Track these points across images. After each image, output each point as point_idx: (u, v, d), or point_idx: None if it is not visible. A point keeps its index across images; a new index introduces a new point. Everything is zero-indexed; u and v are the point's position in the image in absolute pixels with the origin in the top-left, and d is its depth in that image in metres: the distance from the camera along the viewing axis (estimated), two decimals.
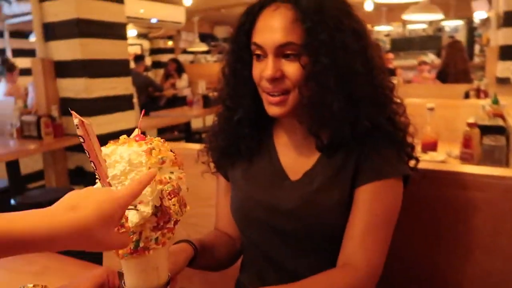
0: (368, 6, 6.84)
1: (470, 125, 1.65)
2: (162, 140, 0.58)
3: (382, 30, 10.03)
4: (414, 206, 0.94)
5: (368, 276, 0.71)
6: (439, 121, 2.25)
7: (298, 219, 0.79)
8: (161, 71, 7.36)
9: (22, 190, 2.66)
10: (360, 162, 0.77)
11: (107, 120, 2.90)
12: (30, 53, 3.02)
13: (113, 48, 2.99)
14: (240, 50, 0.80)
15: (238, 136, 0.85)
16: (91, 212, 0.46)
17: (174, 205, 0.53)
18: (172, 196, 0.53)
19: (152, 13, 6.03)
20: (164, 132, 4.84)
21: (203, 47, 7.57)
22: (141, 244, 0.55)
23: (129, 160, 0.52)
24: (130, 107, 3.15)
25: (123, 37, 3.10)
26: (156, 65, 8.40)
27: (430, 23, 9.64)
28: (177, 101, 5.86)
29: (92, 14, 2.81)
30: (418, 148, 1.84)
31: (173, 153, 0.57)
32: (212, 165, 0.93)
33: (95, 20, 2.84)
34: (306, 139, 0.81)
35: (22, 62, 4.90)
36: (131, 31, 7.15)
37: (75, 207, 0.46)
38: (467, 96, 3.23)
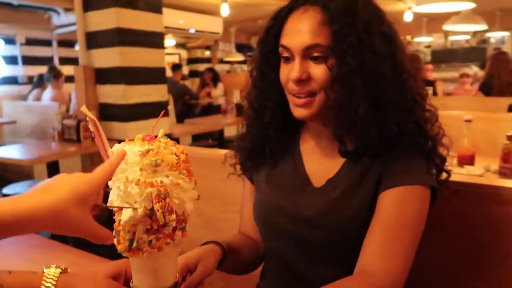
0: (408, 17, 6.70)
1: (510, 138, 1.56)
2: (172, 142, 0.57)
3: (422, 41, 9.77)
4: (448, 221, 0.90)
5: (388, 285, 0.67)
6: (478, 135, 2.15)
7: (319, 227, 0.77)
8: (197, 80, 7.52)
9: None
10: (384, 168, 0.75)
11: (142, 126, 2.99)
12: (75, 61, 3.18)
13: (151, 57, 3.09)
14: (268, 53, 0.81)
15: (263, 138, 0.86)
16: (64, 193, 0.48)
17: (158, 210, 0.51)
18: (157, 200, 0.52)
19: (190, 24, 6.20)
20: (199, 139, 4.92)
21: (240, 57, 7.67)
22: (134, 244, 0.54)
23: (126, 159, 0.54)
24: (166, 113, 3.24)
25: (161, 46, 3.20)
26: (193, 74, 8.60)
27: (474, 34, 9.28)
28: (212, 110, 5.97)
29: (132, 23, 2.92)
30: (454, 162, 1.76)
31: (177, 157, 0.55)
32: (238, 167, 0.94)
33: (134, 30, 2.95)
34: (332, 145, 0.80)
35: (68, 70, 5.16)
36: (170, 41, 7.38)
37: (45, 190, 0.49)
38: (510, 109, 3.07)
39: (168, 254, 0.57)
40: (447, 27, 4.75)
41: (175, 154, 0.55)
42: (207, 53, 9.03)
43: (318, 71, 0.73)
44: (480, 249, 0.87)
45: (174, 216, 0.53)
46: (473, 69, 7.86)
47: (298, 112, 0.77)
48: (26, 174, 4.10)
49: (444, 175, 0.79)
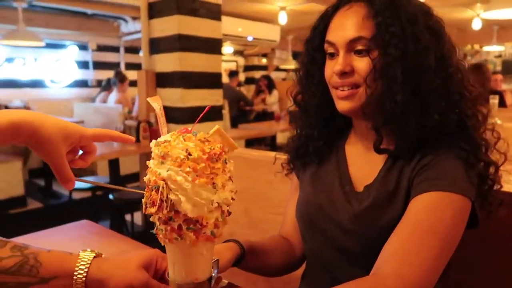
0: (476, 25, 6.32)
1: None
2: (200, 139, 0.54)
3: (492, 51, 9.16)
4: (502, 235, 0.84)
5: None
6: None
7: (350, 232, 0.76)
8: (253, 87, 7.63)
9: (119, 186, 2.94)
10: (415, 173, 0.72)
11: (197, 128, 3.09)
12: (139, 66, 3.37)
13: (208, 62, 3.19)
14: (314, 51, 0.83)
15: (307, 137, 0.87)
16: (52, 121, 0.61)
17: (143, 199, 0.53)
18: (146, 190, 0.54)
19: (248, 32, 6.32)
20: (252, 144, 4.99)
21: (296, 65, 7.70)
22: (155, 231, 0.57)
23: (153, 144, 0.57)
24: (219, 117, 3.32)
25: (218, 52, 3.29)
26: (249, 81, 8.74)
27: None
28: (266, 116, 6.02)
29: (192, 30, 3.04)
30: None
31: (187, 153, 0.52)
32: (285, 166, 0.95)
33: (194, 36, 3.07)
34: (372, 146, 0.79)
35: (133, 75, 5.50)
36: (228, 48, 7.57)
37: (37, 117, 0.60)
38: None
39: (196, 250, 0.57)
40: None
41: (187, 150, 0.53)
42: (264, 61, 9.14)
43: (361, 64, 0.74)
44: None
45: (153, 209, 0.53)
46: None
47: (341, 105, 0.77)
48: (89, 171, 4.39)
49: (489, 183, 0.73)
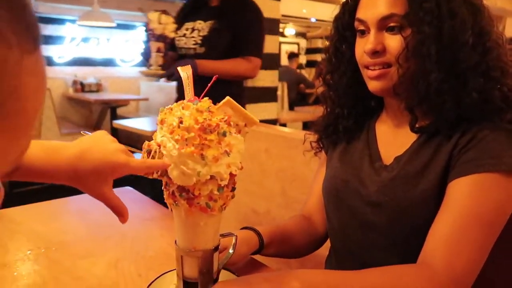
0: None
1: None
2: (199, 108, 0.54)
3: None
4: None
5: (449, 283, 0.59)
6: None
7: (378, 205, 0.74)
8: (315, 70, 7.46)
9: None
10: (456, 151, 0.67)
11: (250, 109, 3.10)
12: None
13: (266, 42, 3.17)
14: (343, 29, 0.80)
15: (337, 116, 0.85)
16: (89, 168, 0.54)
17: None
18: (143, 152, 0.56)
19: (312, 13, 6.17)
20: (309, 127, 4.94)
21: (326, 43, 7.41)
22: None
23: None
24: (274, 99, 3.31)
25: (276, 32, 3.26)
26: (311, 64, 8.57)
27: None
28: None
29: None
30: None
31: (179, 121, 0.53)
32: (314, 145, 0.94)
33: None
34: (407, 124, 0.75)
35: None
36: (290, 30, 7.46)
37: (82, 154, 0.55)
38: None
39: (192, 219, 0.58)
40: None
41: (180, 118, 0.53)
42: (327, 43, 8.91)
43: (393, 42, 0.70)
44: None
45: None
46: None
47: (373, 85, 0.74)
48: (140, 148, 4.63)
49: None
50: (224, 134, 0.54)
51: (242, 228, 0.79)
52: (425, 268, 0.62)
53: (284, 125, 3.77)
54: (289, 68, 5.88)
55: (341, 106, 0.85)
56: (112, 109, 4.57)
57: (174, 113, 0.55)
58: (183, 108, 0.55)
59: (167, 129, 0.54)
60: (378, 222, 0.74)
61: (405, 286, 0.60)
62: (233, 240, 0.68)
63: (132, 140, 5.12)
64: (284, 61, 6.23)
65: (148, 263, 0.78)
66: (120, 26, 5.71)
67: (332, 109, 0.86)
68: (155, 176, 0.57)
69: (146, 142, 0.57)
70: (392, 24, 0.70)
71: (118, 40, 5.95)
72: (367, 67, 0.74)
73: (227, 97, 0.56)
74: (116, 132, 4.66)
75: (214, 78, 0.60)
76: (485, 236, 0.62)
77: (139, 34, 6.39)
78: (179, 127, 0.53)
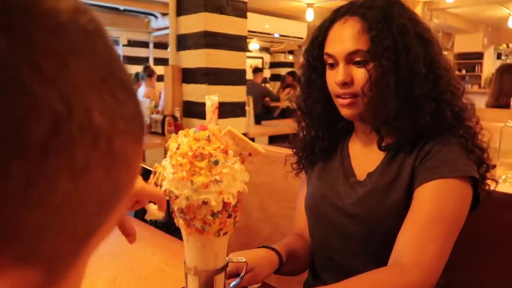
0: (511, 23, 6.12)
1: None
2: (196, 137, 0.57)
3: None
4: (501, 235, 0.85)
5: (419, 279, 0.67)
6: None
7: (355, 217, 0.81)
8: (279, 84, 7.64)
9: (145, 178, 3.05)
10: (418, 162, 0.77)
11: (221, 124, 3.14)
12: (167, 61, 3.47)
13: (233, 59, 3.25)
14: (314, 61, 0.88)
15: (313, 138, 0.92)
16: None
17: None
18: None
19: (275, 29, 6.34)
20: (275, 141, 5.02)
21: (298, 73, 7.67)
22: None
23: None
24: (243, 114, 3.38)
25: (243, 49, 3.34)
26: (275, 77, 8.75)
27: None
28: (291, 113, 6.02)
29: (218, 27, 3.11)
30: None
31: (177, 148, 0.57)
32: (295, 166, 0.99)
33: (220, 33, 3.13)
34: (375, 142, 0.84)
35: (161, 70, 5.64)
36: (254, 45, 7.61)
37: None
38: None
39: (192, 239, 0.61)
40: None
41: (178, 145, 0.57)
42: (290, 58, 9.14)
43: (359, 74, 0.79)
44: None
45: None
46: None
47: (344, 112, 0.83)
48: None
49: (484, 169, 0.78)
50: (216, 163, 0.56)
51: (260, 247, 0.83)
52: (397, 267, 0.69)
53: (252, 139, 3.84)
54: (254, 82, 5.98)
55: (316, 129, 0.92)
56: None
57: (177, 140, 0.59)
58: (184, 135, 0.59)
59: (169, 154, 0.59)
60: (356, 232, 0.82)
61: (382, 287, 0.67)
62: (244, 267, 0.72)
63: None
64: (249, 75, 6.33)
65: (146, 280, 0.81)
66: None
67: (308, 132, 0.94)
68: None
69: (156, 164, 0.61)
70: (358, 59, 0.78)
71: None
72: (338, 96, 0.83)
73: (228, 127, 0.59)
74: None
75: (216, 108, 0.63)
76: (447, 234, 0.70)
77: None
78: (175, 153, 0.57)
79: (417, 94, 0.76)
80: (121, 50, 6.57)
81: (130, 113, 0.22)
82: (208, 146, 0.57)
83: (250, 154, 0.61)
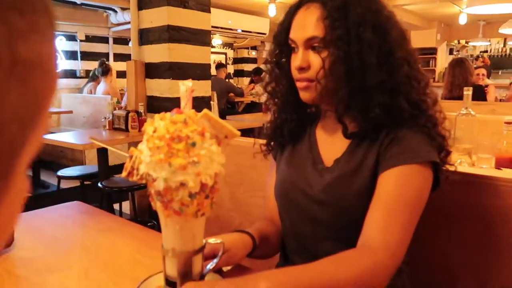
0: (462, 20, 6.44)
1: None
2: (173, 120, 0.58)
3: (478, 46, 9.32)
4: (461, 213, 0.91)
5: (386, 259, 0.71)
6: None
7: (323, 203, 0.84)
8: (242, 79, 7.65)
9: (108, 176, 2.97)
10: (382, 149, 0.80)
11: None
12: (128, 57, 3.38)
13: (197, 53, 3.23)
14: (281, 45, 0.90)
15: (281, 121, 0.95)
16: None
17: None
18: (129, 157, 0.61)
19: (238, 24, 6.33)
20: (241, 136, 5.03)
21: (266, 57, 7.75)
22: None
23: None
24: (208, 108, 3.35)
25: (207, 43, 3.32)
26: (239, 73, 8.76)
27: None
28: (256, 107, 6.06)
29: (181, 21, 3.07)
30: (492, 164, 1.71)
31: (153, 131, 0.57)
32: (264, 148, 1.01)
33: (183, 27, 3.09)
34: (341, 128, 0.86)
35: (122, 66, 5.50)
36: (217, 40, 7.57)
37: None
38: None
39: (170, 222, 0.62)
40: (503, 30, 4.54)
41: (155, 128, 0.58)
42: (253, 53, 9.17)
43: (316, 59, 0.81)
44: (498, 241, 0.88)
45: (124, 174, 0.61)
46: None
47: (302, 95, 0.85)
48: (79, 161, 4.41)
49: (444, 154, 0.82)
50: (193, 145, 0.57)
51: (235, 231, 0.84)
52: (365, 249, 0.73)
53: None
54: (217, 78, 5.96)
55: (284, 112, 0.94)
56: None
57: (153, 123, 0.60)
58: (161, 119, 0.60)
59: (145, 137, 0.59)
60: (325, 217, 0.84)
61: (351, 267, 0.70)
62: (221, 247, 0.73)
63: (56, 156, 4.81)
64: (212, 71, 6.30)
65: (119, 271, 0.80)
66: None
67: (278, 114, 0.96)
68: (135, 179, 0.60)
69: (131, 148, 0.61)
70: (315, 45, 0.81)
71: None
72: (297, 80, 0.85)
73: (204, 110, 0.61)
74: None
75: (191, 91, 0.64)
76: (410, 217, 0.74)
77: (58, 43, 6.03)
78: (152, 136, 0.57)
79: (369, 85, 0.78)
80: (79, 46, 6.33)
81: (30, 4, 0.18)
82: (185, 129, 0.57)
83: (226, 137, 0.62)
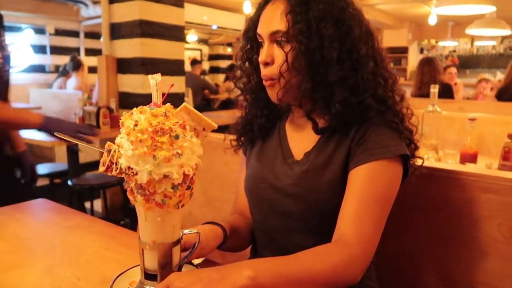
0: (432, 20, 6.61)
1: (510, 136, 1.57)
2: (154, 113, 0.58)
3: (447, 46, 9.60)
4: (430, 206, 0.94)
5: (360, 253, 0.73)
6: (488, 137, 2.15)
7: (294, 196, 0.84)
8: (218, 76, 7.61)
9: (79, 173, 2.90)
10: (353, 144, 0.81)
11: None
12: (100, 52, 3.30)
13: (171, 49, 3.18)
14: (251, 40, 0.90)
15: (251, 116, 0.95)
16: None
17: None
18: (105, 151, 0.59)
19: (214, 20, 6.29)
20: (217, 132, 5.01)
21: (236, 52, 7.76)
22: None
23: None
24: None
25: (181, 39, 3.28)
26: (214, 70, 8.70)
27: (502, 40, 9.07)
28: (230, 104, 6.05)
29: (154, 16, 3.02)
30: (457, 159, 1.78)
31: (134, 124, 0.57)
32: (234, 143, 1.01)
33: (156, 22, 3.04)
34: (309, 123, 0.87)
35: (93, 61, 5.37)
36: (192, 36, 7.49)
37: None
38: None
39: (151, 215, 0.62)
40: (470, 31, 4.69)
41: (136, 122, 0.58)
42: (229, 50, 9.13)
43: (279, 54, 0.81)
44: (461, 233, 0.91)
45: (102, 169, 0.60)
46: (498, 76, 7.68)
47: (269, 93, 0.86)
48: (48, 158, 4.28)
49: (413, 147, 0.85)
50: (176, 137, 0.58)
51: (206, 223, 0.85)
52: (340, 244, 0.74)
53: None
54: (192, 74, 5.90)
55: (255, 108, 0.94)
56: None
57: (132, 117, 0.60)
58: (140, 112, 0.60)
59: (124, 131, 0.58)
60: (295, 210, 0.85)
61: (327, 260, 0.71)
62: (197, 237, 0.73)
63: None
64: (187, 67, 6.24)
65: (85, 267, 0.78)
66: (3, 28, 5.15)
67: (249, 110, 0.96)
68: (114, 173, 0.59)
69: (108, 142, 0.60)
70: (279, 39, 0.81)
71: None
72: (263, 77, 0.84)
73: (184, 104, 0.62)
74: None
75: (171, 86, 0.64)
76: (381, 211, 0.77)
77: (26, 37, 5.83)
78: (134, 129, 0.57)
79: (329, 81, 0.78)
80: (48, 40, 6.13)
81: None
82: (167, 122, 0.58)
83: (204, 129, 0.64)
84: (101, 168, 0.59)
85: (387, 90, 0.83)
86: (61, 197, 3.16)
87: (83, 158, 3.48)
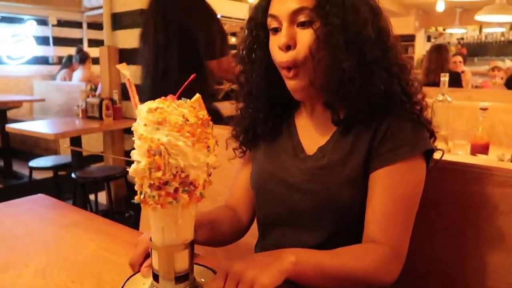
0: (440, 7, 6.49)
1: None
2: (196, 105, 0.57)
3: (455, 33, 9.45)
4: (444, 200, 0.90)
5: (394, 256, 0.72)
6: (499, 126, 2.10)
7: (306, 192, 0.80)
8: None
9: (82, 166, 2.88)
10: (375, 143, 0.76)
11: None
12: (103, 43, 3.26)
13: None
14: (257, 29, 0.83)
15: (254, 120, 0.88)
16: None
17: (146, 165, 0.53)
18: (147, 156, 0.53)
19: (217, 9, 6.21)
20: (217, 125, 4.98)
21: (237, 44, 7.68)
22: (142, 196, 0.56)
23: (139, 114, 0.56)
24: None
25: None
26: None
27: (511, 27, 8.89)
28: (235, 95, 6.00)
29: None
30: (467, 150, 1.72)
31: (184, 119, 0.54)
32: (237, 151, 0.95)
33: None
34: (324, 116, 0.82)
35: (96, 52, 5.33)
36: None
37: None
38: None
39: (187, 211, 0.57)
40: (479, 17, 4.57)
41: (184, 116, 0.55)
42: (233, 40, 9.04)
43: (304, 36, 0.74)
44: (474, 228, 0.87)
45: (159, 174, 0.53)
46: (507, 64, 7.55)
47: (291, 85, 0.78)
48: (52, 150, 4.27)
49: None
50: (212, 127, 0.59)
51: None
52: (374, 246, 0.73)
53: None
54: None
55: (258, 111, 0.87)
56: (1, 112, 4.10)
57: (172, 112, 0.55)
58: (178, 106, 0.56)
59: (171, 128, 0.54)
60: (307, 207, 0.80)
61: (365, 260, 0.71)
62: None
63: (29, 145, 4.66)
64: None
65: (81, 268, 0.75)
66: (5, 19, 5.12)
67: (250, 113, 0.88)
68: (167, 177, 0.54)
69: (149, 145, 0.54)
70: (302, 19, 0.74)
71: (2, 35, 5.32)
72: (283, 68, 0.77)
73: (198, 95, 0.59)
74: (8, 137, 4.20)
75: (192, 76, 0.60)
76: (409, 211, 0.75)
77: (28, 28, 5.80)
78: (186, 124, 0.54)
79: (368, 60, 0.73)
80: (51, 31, 6.09)
81: None
82: (200, 112, 0.57)
83: None
84: (157, 174, 0.53)
85: (407, 77, 0.79)
86: (66, 190, 3.16)
87: (86, 146, 3.46)
